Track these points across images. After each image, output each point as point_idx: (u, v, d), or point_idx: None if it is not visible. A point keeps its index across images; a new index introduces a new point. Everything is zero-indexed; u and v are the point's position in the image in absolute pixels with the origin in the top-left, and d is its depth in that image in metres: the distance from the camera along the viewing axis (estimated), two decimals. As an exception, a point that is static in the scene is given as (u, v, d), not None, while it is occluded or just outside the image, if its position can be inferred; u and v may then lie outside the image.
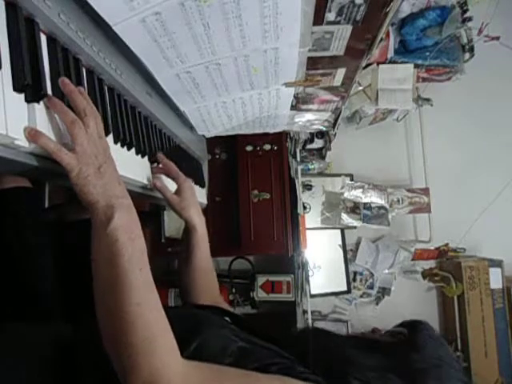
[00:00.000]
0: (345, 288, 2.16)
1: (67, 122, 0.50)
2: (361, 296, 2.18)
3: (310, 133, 1.92)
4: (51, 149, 0.48)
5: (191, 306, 0.84)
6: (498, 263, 2.15)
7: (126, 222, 0.51)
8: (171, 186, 0.88)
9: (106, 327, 0.50)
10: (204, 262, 0.89)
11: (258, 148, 1.72)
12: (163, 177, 0.86)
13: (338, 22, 0.73)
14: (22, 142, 0.46)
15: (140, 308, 0.49)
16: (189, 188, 0.87)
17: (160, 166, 0.85)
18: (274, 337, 0.65)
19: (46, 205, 1.05)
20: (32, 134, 0.46)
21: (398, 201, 2.12)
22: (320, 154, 2.15)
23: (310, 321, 1.85)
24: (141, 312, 0.49)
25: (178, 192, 0.85)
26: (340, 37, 0.78)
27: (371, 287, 2.18)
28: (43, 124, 0.49)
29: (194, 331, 0.58)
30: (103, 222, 0.50)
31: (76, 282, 0.57)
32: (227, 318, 0.73)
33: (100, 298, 0.51)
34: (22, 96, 0.46)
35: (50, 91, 0.51)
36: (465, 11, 1.82)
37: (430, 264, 2.23)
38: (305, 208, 1.88)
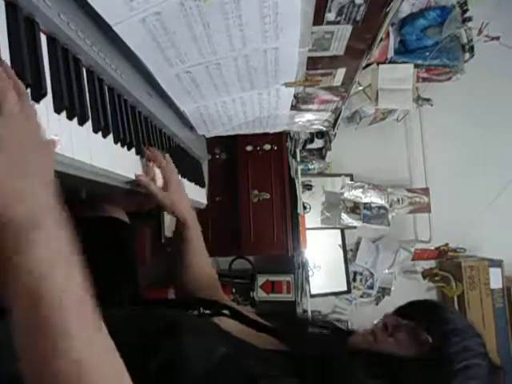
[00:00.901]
0: (345, 288, 2.16)
1: None
2: (361, 296, 2.18)
3: (310, 133, 1.92)
4: None
5: (188, 301, 0.83)
6: (498, 263, 2.15)
7: (52, 248, 0.34)
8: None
9: None
10: (199, 256, 0.87)
11: (258, 148, 1.72)
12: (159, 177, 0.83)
13: (338, 22, 0.73)
14: None
15: (80, 366, 0.34)
16: (176, 181, 0.84)
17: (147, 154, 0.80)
18: (274, 328, 0.65)
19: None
20: None
21: (398, 201, 2.12)
22: (320, 153, 2.15)
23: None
24: (80, 371, 0.34)
25: (164, 186, 0.81)
26: (340, 37, 0.78)
27: (371, 287, 2.18)
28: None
29: (169, 335, 0.54)
30: (18, 252, 0.32)
31: None
32: (225, 311, 0.72)
33: (26, 357, 0.34)
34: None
35: (50, 91, 0.51)
36: (465, 11, 1.82)
37: (430, 264, 2.23)
38: (305, 208, 1.88)
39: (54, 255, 0.34)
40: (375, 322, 0.67)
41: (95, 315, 0.37)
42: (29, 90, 0.47)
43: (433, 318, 0.61)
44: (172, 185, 0.82)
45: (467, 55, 1.94)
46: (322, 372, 0.53)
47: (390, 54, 1.83)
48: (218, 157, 1.72)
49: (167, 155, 0.85)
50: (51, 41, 0.54)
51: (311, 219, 2.03)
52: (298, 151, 1.89)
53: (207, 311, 0.73)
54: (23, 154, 0.35)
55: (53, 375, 0.33)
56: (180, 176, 1.03)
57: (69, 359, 0.33)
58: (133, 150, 0.75)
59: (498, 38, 1.97)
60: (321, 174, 2.18)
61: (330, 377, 0.53)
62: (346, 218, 2.08)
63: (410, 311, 0.67)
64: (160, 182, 0.82)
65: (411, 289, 2.22)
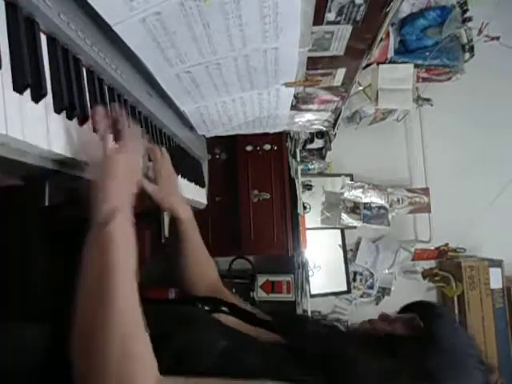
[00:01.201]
0: (345, 288, 2.16)
1: (117, 119, 0.60)
2: (361, 296, 2.18)
3: (310, 133, 1.92)
4: (102, 132, 0.56)
5: (186, 298, 0.83)
6: (498, 263, 2.15)
7: (123, 229, 0.53)
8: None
9: (81, 339, 0.47)
10: (196, 250, 0.86)
11: (258, 148, 1.71)
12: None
13: (338, 22, 0.73)
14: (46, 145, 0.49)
15: (135, 296, 0.49)
16: (167, 174, 0.81)
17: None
18: (273, 325, 0.65)
19: (47, 203, 1.05)
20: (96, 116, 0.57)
21: (398, 201, 2.12)
22: (320, 153, 2.15)
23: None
24: (121, 321, 0.47)
25: (155, 178, 0.79)
26: (340, 37, 0.78)
27: (371, 287, 2.18)
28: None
29: (178, 330, 0.57)
30: (105, 221, 0.51)
31: (74, 277, 0.56)
32: (225, 308, 0.72)
33: (87, 293, 0.49)
34: (22, 96, 0.46)
35: (49, 91, 0.51)
36: (465, 11, 1.82)
37: (430, 264, 2.22)
38: (305, 208, 1.88)
39: (129, 226, 0.55)
40: None
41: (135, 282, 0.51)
42: (29, 90, 0.47)
43: (426, 310, 0.66)
44: (163, 178, 0.79)
45: (467, 55, 1.94)
46: (322, 361, 0.54)
47: (390, 54, 1.83)
48: (218, 157, 1.72)
49: (163, 149, 0.83)
50: (51, 41, 0.54)
51: (311, 219, 2.03)
52: (298, 151, 1.89)
53: (206, 307, 0.72)
54: (124, 176, 0.56)
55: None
56: (180, 176, 1.03)
57: (117, 303, 0.47)
58: (133, 149, 0.75)
59: (498, 38, 1.96)
60: (321, 173, 2.18)
61: (331, 364, 0.54)
62: (346, 218, 2.08)
63: (409, 308, 0.70)
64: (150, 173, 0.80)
65: (411, 289, 2.22)
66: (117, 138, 0.59)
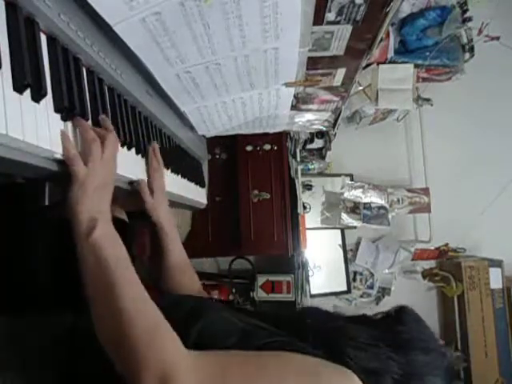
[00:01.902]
0: (345, 288, 2.15)
1: (88, 139, 0.56)
2: (361, 296, 2.18)
3: (310, 133, 1.92)
4: (70, 155, 0.53)
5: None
6: (498, 263, 2.15)
7: (108, 231, 0.56)
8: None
9: (105, 331, 0.52)
10: (178, 260, 0.89)
11: (258, 148, 1.71)
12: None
13: (338, 22, 0.73)
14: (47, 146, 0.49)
15: (135, 303, 0.52)
16: (162, 187, 0.86)
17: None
18: (273, 318, 0.66)
19: (46, 202, 1.05)
20: (62, 136, 0.53)
21: (398, 201, 2.12)
22: (320, 153, 2.15)
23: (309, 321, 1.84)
24: (137, 306, 0.52)
25: (150, 189, 0.83)
26: (340, 37, 0.78)
27: (371, 287, 2.18)
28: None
29: (195, 314, 0.60)
30: (87, 231, 0.54)
31: (76, 273, 0.58)
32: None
33: (95, 303, 0.53)
34: (22, 96, 0.46)
35: (50, 91, 0.51)
36: (465, 11, 1.82)
37: (430, 264, 2.23)
38: (305, 208, 1.88)
39: (113, 233, 0.57)
40: None
41: (136, 274, 0.55)
42: (29, 90, 0.47)
43: (399, 308, 0.69)
44: (158, 191, 0.84)
45: (467, 55, 1.94)
46: (322, 335, 0.60)
47: (390, 54, 1.83)
48: (218, 157, 1.72)
49: (161, 160, 0.86)
50: (51, 41, 0.54)
51: (311, 219, 2.03)
52: (298, 151, 1.89)
53: None
54: (112, 187, 0.61)
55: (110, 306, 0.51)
56: (180, 176, 1.03)
57: (127, 297, 0.51)
58: (133, 150, 0.75)
59: (498, 38, 1.96)
60: (321, 173, 2.18)
61: (330, 336, 0.60)
62: (346, 218, 2.08)
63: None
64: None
65: (411, 289, 2.22)
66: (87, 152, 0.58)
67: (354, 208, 2.10)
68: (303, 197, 1.88)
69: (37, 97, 0.48)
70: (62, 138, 0.53)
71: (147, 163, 0.82)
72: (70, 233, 0.55)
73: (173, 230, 0.88)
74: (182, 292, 0.87)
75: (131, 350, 0.48)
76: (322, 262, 2.09)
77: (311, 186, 2.11)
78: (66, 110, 0.54)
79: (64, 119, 0.54)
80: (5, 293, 0.79)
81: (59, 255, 0.83)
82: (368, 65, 1.80)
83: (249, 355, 0.54)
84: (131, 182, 0.76)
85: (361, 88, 1.87)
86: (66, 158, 0.54)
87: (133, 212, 1.10)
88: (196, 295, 0.82)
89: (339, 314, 0.71)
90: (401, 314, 0.67)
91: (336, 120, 1.31)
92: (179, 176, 1.03)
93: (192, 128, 1.13)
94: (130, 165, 0.73)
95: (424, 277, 2.18)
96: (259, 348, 0.55)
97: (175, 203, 1.01)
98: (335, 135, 1.96)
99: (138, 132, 0.79)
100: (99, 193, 0.57)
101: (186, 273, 0.90)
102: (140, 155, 0.78)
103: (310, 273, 1.96)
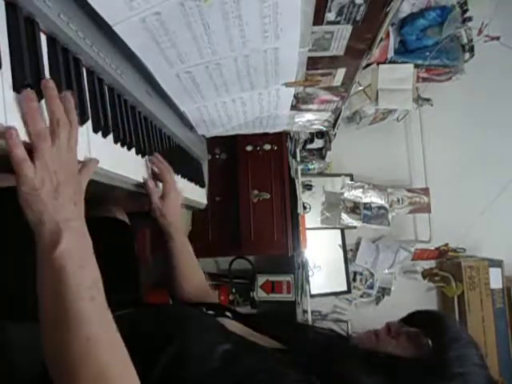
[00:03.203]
0: (345, 288, 2.16)
1: (33, 132, 0.45)
2: (361, 296, 2.18)
3: (310, 133, 1.92)
4: (17, 155, 0.43)
5: (190, 304, 0.84)
6: (498, 263, 2.15)
7: (74, 247, 0.46)
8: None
9: (53, 366, 0.45)
10: (189, 269, 0.89)
11: (258, 148, 1.71)
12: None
13: (338, 22, 0.73)
14: None
15: (89, 344, 0.44)
16: (175, 198, 0.85)
17: (154, 162, 0.84)
18: (275, 333, 0.65)
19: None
20: (9, 137, 0.42)
21: (398, 201, 2.12)
22: (320, 153, 2.15)
23: (310, 321, 1.85)
24: (89, 349, 0.43)
25: (162, 197, 0.83)
26: (340, 37, 0.78)
27: (371, 287, 2.18)
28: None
29: (173, 334, 0.56)
30: (48, 248, 0.45)
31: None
32: (228, 313, 0.73)
33: (45, 332, 0.45)
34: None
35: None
36: (465, 11, 1.82)
37: (430, 264, 2.22)
38: (305, 208, 1.88)
39: (82, 250, 0.47)
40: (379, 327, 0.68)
41: (106, 309, 0.47)
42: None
43: (435, 325, 0.62)
44: (170, 201, 0.83)
45: (467, 55, 1.94)
46: (322, 373, 0.54)
47: (390, 54, 1.83)
48: (218, 157, 1.72)
49: (171, 171, 0.86)
50: (51, 41, 0.54)
51: (311, 219, 2.03)
52: (298, 151, 1.89)
53: (210, 312, 0.73)
54: (75, 183, 0.49)
55: (67, 346, 0.43)
56: (180, 176, 1.03)
57: (81, 334, 0.43)
58: (133, 150, 0.75)
59: (498, 38, 1.96)
60: (321, 174, 2.18)
61: (332, 371, 0.54)
62: (346, 218, 2.08)
63: (414, 319, 0.68)
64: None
65: (411, 289, 2.22)
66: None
67: (354, 208, 2.10)
68: (303, 197, 1.88)
69: (37, 97, 0.48)
70: (8, 137, 0.42)
71: (159, 171, 0.83)
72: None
73: (183, 241, 0.88)
74: (191, 295, 0.87)
75: None
76: (322, 262, 2.09)
77: (311, 185, 2.11)
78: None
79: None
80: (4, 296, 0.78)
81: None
82: (368, 65, 1.80)
83: None
84: (137, 185, 0.77)
85: (361, 88, 1.87)
86: (14, 159, 0.43)
87: (133, 212, 1.11)
88: (188, 307, 0.80)
89: (347, 347, 0.64)
90: (440, 348, 0.57)
91: (336, 120, 1.31)
92: (179, 176, 1.03)
93: (192, 128, 1.13)
94: (130, 165, 0.73)
95: (424, 277, 2.18)
96: (241, 378, 0.50)
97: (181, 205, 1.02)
98: (335, 135, 1.96)
99: (137, 132, 0.79)
100: (57, 195, 0.46)
101: (194, 282, 0.90)
102: (140, 155, 0.78)
103: (310, 273, 1.96)
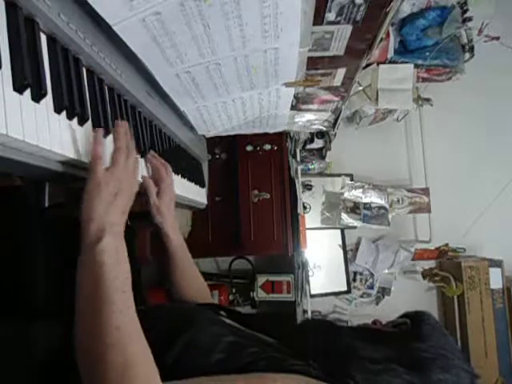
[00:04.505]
0: (345, 288, 2.16)
1: (117, 145, 0.58)
2: (361, 296, 2.18)
3: (310, 133, 1.92)
4: (96, 152, 0.55)
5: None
6: (498, 263, 2.15)
7: (113, 246, 0.53)
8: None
9: (82, 348, 0.49)
10: (187, 269, 0.88)
11: (258, 148, 1.71)
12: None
13: (338, 22, 0.73)
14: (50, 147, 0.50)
15: (118, 332, 0.48)
16: (171, 195, 0.86)
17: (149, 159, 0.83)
18: (273, 331, 0.66)
19: (46, 204, 1.05)
20: (95, 137, 0.56)
21: (398, 201, 2.12)
22: (320, 154, 2.15)
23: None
24: (119, 337, 0.48)
25: (158, 194, 0.83)
26: (340, 37, 0.78)
27: (371, 287, 2.18)
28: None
29: (182, 328, 0.58)
30: (92, 243, 0.51)
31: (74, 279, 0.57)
32: (222, 312, 0.73)
33: (80, 317, 0.50)
34: (22, 96, 0.46)
35: (50, 91, 0.51)
36: (465, 11, 1.82)
37: (430, 264, 2.22)
38: (305, 208, 1.88)
39: (119, 249, 0.54)
40: None
41: (132, 303, 0.52)
42: (29, 90, 0.47)
43: (416, 314, 0.68)
44: (166, 198, 0.83)
45: (467, 55, 1.94)
46: (323, 352, 0.57)
47: (390, 54, 1.83)
48: (218, 157, 1.72)
49: (169, 167, 0.86)
50: (51, 41, 0.54)
51: (311, 219, 2.03)
52: (298, 151, 1.89)
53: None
54: (130, 200, 0.60)
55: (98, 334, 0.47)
56: (180, 176, 1.03)
57: (113, 323, 0.48)
58: (133, 149, 0.75)
59: (498, 38, 1.97)
60: (321, 174, 2.18)
61: (331, 353, 0.57)
62: (346, 218, 2.08)
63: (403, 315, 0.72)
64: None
65: (411, 289, 2.22)
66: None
67: (354, 208, 2.10)
68: (303, 197, 1.88)
69: (37, 97, 0.48)
70: (94, 138, 0.55)
71: (154, 169, 0.83)
72: (70, 234, 0.54)
73: (179, 240, 0.88)
74: (188, 294, 0.87)
75: (99, 378, 0.46)
76: (322, 262, 2.09)
77: (311, 185, 2.11)
78: (70, 108, 0.54)
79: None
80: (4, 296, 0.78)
81: (57, 259, 0.82)
82: (368, 65, 1.80)
83: (225, 381, 0.51)
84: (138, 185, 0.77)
85: (361, 88, 1.87)
86: (92, 156, 0.54)
87: (133, 212, 1.10)
88: (191, 304, 0.81)
89: (345, 328, 0.68)
90: (417, 323, 0.63)
91: (336, 120, 1.31)
92: (179, 176, 1.03)
93: (192, 128, 1.13)
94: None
95: (424, 277, 2.18)
96: (245, 366, 0.53)
97: (175, 203, 1.01)
98: (335, 135, 1.96)
99: (138, 132, 0.79)
100: (114, 200, 0.55)
101: (193, 282, 0.90)
102: (140, 155, 0.78)
103: (310, 273, 1.96)
